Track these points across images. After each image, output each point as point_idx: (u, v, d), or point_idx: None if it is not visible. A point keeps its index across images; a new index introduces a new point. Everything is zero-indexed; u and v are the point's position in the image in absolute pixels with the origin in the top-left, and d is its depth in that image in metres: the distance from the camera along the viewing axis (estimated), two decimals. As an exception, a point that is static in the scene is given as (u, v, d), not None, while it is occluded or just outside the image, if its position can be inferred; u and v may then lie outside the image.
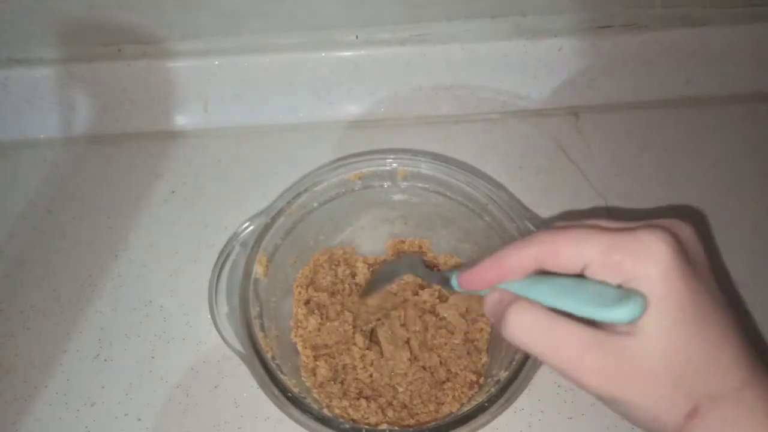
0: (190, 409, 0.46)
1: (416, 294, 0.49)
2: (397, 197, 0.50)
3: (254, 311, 0.42)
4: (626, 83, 0.64)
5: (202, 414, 0.46)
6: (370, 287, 0.47)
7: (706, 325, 0.27)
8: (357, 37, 0.62)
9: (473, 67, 0.63)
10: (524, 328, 0.28)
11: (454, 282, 0.34)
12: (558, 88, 0.64)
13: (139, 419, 0.46)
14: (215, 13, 0.59)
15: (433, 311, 0.48)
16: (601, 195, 0.57)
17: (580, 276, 0.28)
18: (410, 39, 0.62)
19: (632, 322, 0.26)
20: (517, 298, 0.29)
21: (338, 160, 0.50)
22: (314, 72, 0.63)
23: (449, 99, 0.64)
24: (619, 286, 0.27)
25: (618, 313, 0.25)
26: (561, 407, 0.46)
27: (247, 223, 0.46)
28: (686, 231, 0.29)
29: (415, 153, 0.49)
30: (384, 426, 0.40)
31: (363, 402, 0.43)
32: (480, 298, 0.48)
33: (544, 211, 0.56)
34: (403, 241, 0.52)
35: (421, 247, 0.52)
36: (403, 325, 0.47)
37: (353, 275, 0.51)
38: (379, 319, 0.48)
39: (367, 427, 0.38)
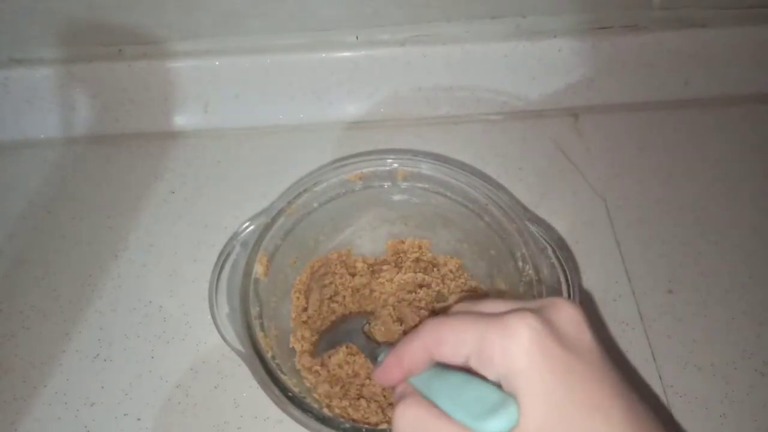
0: (189, 409, 0.46)
1: (413, 292, 0.49)
2: (398, 197, 0.50)
3: (254, 311, 0.42)
4: (626, 84, 0.65)
5: (201, 414, 0.46)
6: (318, 348, 0.46)
7: (582, 410, 0.26)
8: (357, 38, 0.62)
9: (473, 67, 0.63)
10: (406, 424, 0.28)
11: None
12: (557, 89, 0.65)
13: (139, 419, 0.46)
14: (215, 13, 0.59)
15: (430, 309, 0.48)
16: (601, 195, 0.58)
17: (470, 370, 0.28)
18: (410, 40, 0.62)
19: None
20: (411, 392, 0.30)
21: (338, 160, 0.50)
22: (314, 72, 0.63)
23: (449, 100, 0.65)
24: (499, 384, 0.27)
25: (490, 426, 0.26)
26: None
27: (247, 223, 0.46)
28: (567, 311, 0.28)
29: (415, 153, 0.50)
30: (384, 426, 0.40)
31: (363, 402, 0.43)
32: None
33: (544, 212, 0.56)
34: (402, 242, 0.52)
35: (420, 247, 0.52)
36: (396, 322, 0.48)
37: (352, 276, 0.51)
38: (368, 322, 0.48)
39: (367, 426, 0.38)
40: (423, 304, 0.49)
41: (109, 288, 0.52)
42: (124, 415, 0.46)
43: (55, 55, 0.61)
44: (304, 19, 0.60)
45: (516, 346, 0.26)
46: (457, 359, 0.28)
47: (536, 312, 0.27)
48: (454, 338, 0.28)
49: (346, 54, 0.62)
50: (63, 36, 0.60)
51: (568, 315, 0.28)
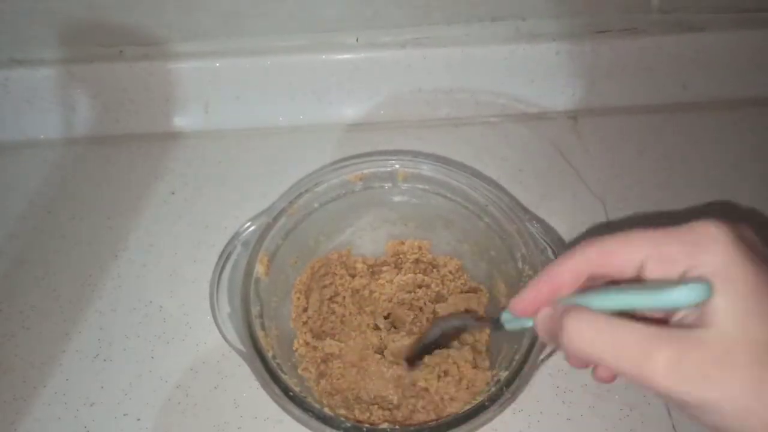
0: (189, 409, 0.46)
1: (411, 292, 0.49)
2: (398, 198, 0.50)
3: (255, 311, 0.42)
4: (625, 87, 0.65)
5: (201, 414, 0.46)
6: (418, 351, 0.44)
7: None
8: (357, 40, 0.62)
9: (473, 70, 0.64)
10: (584, 335, 0.26)
11: (505, 316, 0.33)
12: (556, 92, 0.65)
13: (139, 419, 0.46)
14: (216, 14, 0.59)
15: (429, 310, 0.48)
16: (599, 198, 0.58)
17: (636, 281, 0.27)
18: (410, 42, 0.62)
19: (699, 305, 0.24)
20: (571, 307, 0.27)
21: (339, 161, 0.50)
22: (315, 74, 0.63)
23: (449, 102, 0.65)
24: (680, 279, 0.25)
25: (681, 295, 0.24)
26: (560, 408, 0.46)
27: (248, 223, 0.46)
28: (742, 226, 0.27)
29: (415, 154, 0.50)
30: (384, 425, 0.40)
31: (363, 404, 0.43)
32: (479, 302, 0.49)
33: (543, 213, 0.56)
34: (403, 242, 0.52)
35: (420, 248, 0.52)
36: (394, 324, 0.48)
37: (352, 276, 0.51)
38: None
39: (367, 426, 0.38)
40: (422, 303, 0.49)
41: (109, 288, 0.52)
42: (124, 415, 0.46)
43: (56, 56, 0.61)
44: (305, 20, 0.60)
45: (710, 245, 0.25)
46: (626, 272, 0.27)
47: (721, 220, 0.26)
48: (624, 249, 0.26)
49: (347, 56, 0.63)
50: (63, 36, 0.60)
51: (746, 228, 0.27)
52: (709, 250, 0.25)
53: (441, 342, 0.44)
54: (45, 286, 0.53)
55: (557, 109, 0.65)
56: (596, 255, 0.28)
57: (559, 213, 0.56)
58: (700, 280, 0.24)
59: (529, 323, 0.31)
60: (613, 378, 0.30)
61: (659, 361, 0.24)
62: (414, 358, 0.45)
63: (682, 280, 0.25)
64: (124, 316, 0.51)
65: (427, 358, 0.45)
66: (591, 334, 0.26)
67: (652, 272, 0.26)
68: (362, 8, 0.59)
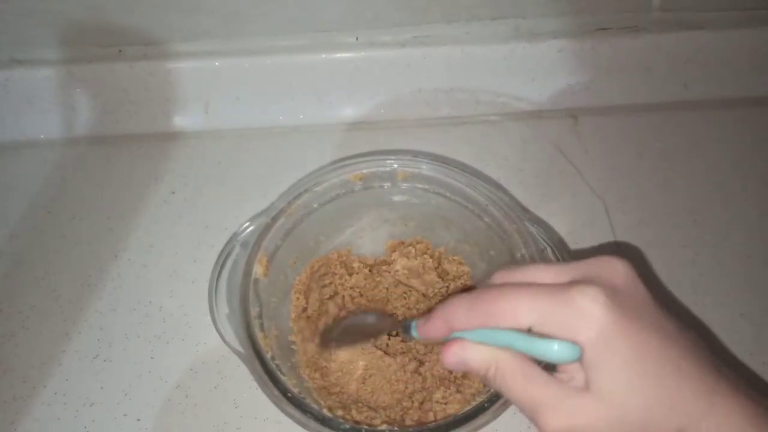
0: (189, 409, 0.46)
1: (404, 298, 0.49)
2: (398, 198, 0.50)
3: (254, 311, 0.42)
4: (625, 86, 0.65)
5: (201, 414, 0.46)
6: (336, 338, 0.44)
7: (657, 368, 0.27)
8: (357, 39, 0.62)
9: (473, 69, 0.63)
10: (457, 358, 0.30)
11: (413, 331, 0.34)
12: (557, 91, 0.65)
13: (139, 419, 0.46)
14: (216, 14, 0.59)
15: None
16: (600, 197, 0.58)
17: None
18: (410, 41, 0.62)
19: (573, 361, 0.27)
20: (453, 341, 0.31)
21: (339, 160, 0.50)
22: (314, 74, 0.63)
23: (449, 101, 0.65)
24: None
25: (553, 351, 0.27)
26: (560, 408, 0.46)
27: (247, 223, 0.46)
28: (620, 271, 0.29)
29: (415, 154, 0.50)
30: (384, 426, 0.40)
31: (360, 405, 0.43)
32: None
33: (543, 213, 0.56)
34: (402, 242, 0.52)
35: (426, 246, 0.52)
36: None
37: (351, 276, 0.51)
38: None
39: (366, 427, 0.38)
40: (413, 299, 0.49)
41: (109, 288, 0.53)
42: (124, 415, 0.46)
43: (56, 56, 0.61)
44: (305, 20, 0.60)
45: (585, 323, 0.27)
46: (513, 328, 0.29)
47: (598, 284, 0.27)
48: (512, 312, 0.28)
49: (347, 55, 0.63)
50: (64, 37, 0.60)
51: (623, 274, 0.29)
52: (585, 328, 0.27)
53: (356, 336, 0.44)
54: (45, 286, 0.53)
55: (558, 108, 0.65)
56: (484, 314, 0.29)
57: (560, 212, 0.56)
58: (574, 342, 0.27)
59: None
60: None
61: (550, 422, 0.27)
62: (326, 339, 0.45)
63: (557, 339, 0.27)
64: (124, 316, 0.51)
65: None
66: (461, 354, 0.30)
67: (537, 330, 0.28)
68: (362, 8, 0.59)
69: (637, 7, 0.61)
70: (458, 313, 0.30)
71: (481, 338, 0.30)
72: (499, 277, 0.31)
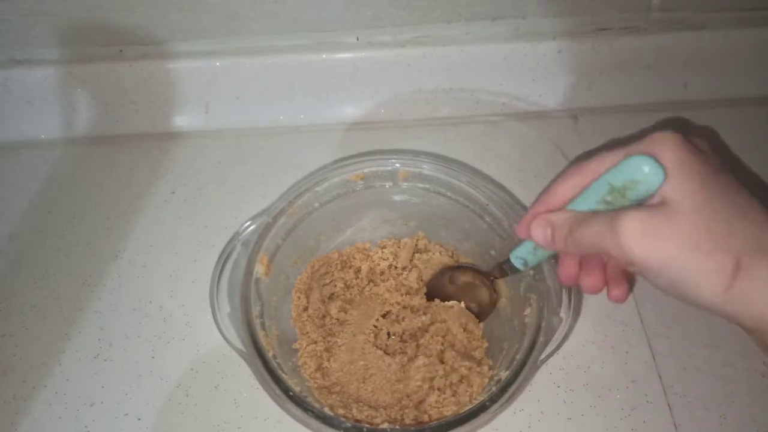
0: (189, 409, 0.46)
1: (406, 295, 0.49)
2: (398, 198, 0.50)
3: (255, 310, 0.42)
4: (625, 86, 0.65)
5: (201, 414, 0.46)
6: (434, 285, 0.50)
7: (731, 194, 0.29)
8: (357, 39, 0.62)
9: (473, 69, 0.64)
10: (569, 225, 0.32)
11: (512, 257, 0.40)
12: (557, 91, 0.65)
13: (139, 419, 0.46)
14: (216, 14, 0.59)
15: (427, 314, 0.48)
16: (601, 197, 0.58)
17: None
18: (410, 41, 0.62)
19: (660, 183, 0.29)
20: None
21: (340, 160, 0.50)
22: (315, 74, 0.63)
23: (449, 101, 0.65)
24: None
25: (636, 162, 0.29)
26: (561, 408, 0.46)
27: (248, 223, 0.46)
28: (696, 138, 0.31)
29: (416, 154, 0.50)
30: (385, 425, 0.40)
31: (361, 405, 0.43)
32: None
33: (544, 213, 0.56)
34: (398, 240, 0.52)
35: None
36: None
37: (357, 271, 0.51)
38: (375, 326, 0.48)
39: (367, 426, 0.38)
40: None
41: (109, 288, 0.52)
42: (124, 415, 0.46)
43: (56, 56, 0.61)
44: (305, 20, 0.60)
45: (664, 145, 0.29)
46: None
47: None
48: (599, 164, 0.32)
49: (347, 55, 0.63)
50: (64, 37, 0.60)
51: (699, 138, 0.31)
52: (663, 147, 0.29)
53: (452, 291, 0.48)
54: (45, 286, 0.53)
55: (558, 107, 0.65)
56: (580, 177, 0.33)
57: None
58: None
59: (529, 247, 0.38)
60: (601, 283, 0.36)
61: (626, 226, 0.29)
62: (431, 292, 0.49)
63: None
64: (124, 316, 0.51)
65: (424, 359, 0.45)
66: (575, 222, 0.32)
67: None
68: (362, 8, 0.59)
69: (636, 7, 0.61)
70: (557, 190, 0.34)
71: (581, 207, 0.33)
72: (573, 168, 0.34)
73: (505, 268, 0.43)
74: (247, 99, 0.64)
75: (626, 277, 0.36)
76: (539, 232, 0.34)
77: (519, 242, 0.40)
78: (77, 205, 0.58)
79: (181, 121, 0.64)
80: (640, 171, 0.29)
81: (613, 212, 0.30)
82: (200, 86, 0.63)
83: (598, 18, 0.62)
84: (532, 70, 0.64)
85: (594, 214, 0.31)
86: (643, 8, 0.61)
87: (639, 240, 0.28)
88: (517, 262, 0.41)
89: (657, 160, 0.29)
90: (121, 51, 0.61)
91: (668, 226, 0.28)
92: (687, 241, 0.28)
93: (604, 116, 0.64)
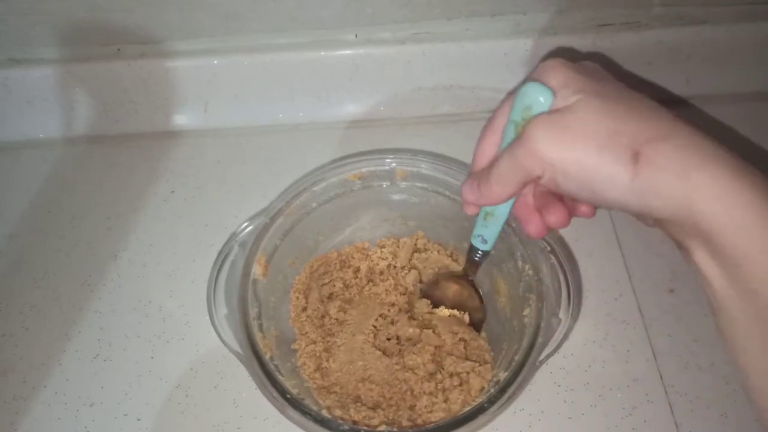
0: (189, 409, 0.46)
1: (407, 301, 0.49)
2: (397, 197, 0.50)
3: (253, 312, 0.42)
4: (626, 82, 0.64)
5: (201, 414, 0.46)
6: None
7: (623, 96, 0.31)
8: (356, 37, 0.62)
9: (473, 66, 0.63)
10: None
11: (473, 239, 0.41)
12: (558, 88, 0.64)
13: (139, 419, 0.46)
14: (215, 13, 0.59)
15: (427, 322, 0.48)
16: (602, 194, 0.57)
17: None
18: (410, 38, 0.62)
19: (549, 99, 0.31)
20: None
21: (338, 160, 0.50)
22: (314, 72, 0.63)
23: (449, 98, 0.64)
24: None
25: (524, 90, 0.31)
26: (561, 407, 0.46)
27: (246, 223, 0.46)
28: (586, 62, 0.34)
29: (414, 153, 0.49)
30: (383, 427, 0.40)
31: (359, 405, 0.43)
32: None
33: (544, 211, 0.55)
34: (398, 239, 0.52)
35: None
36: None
37: (356, 270, 0.51)
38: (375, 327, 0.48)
39: (365, 428, 0.38)
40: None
41: (109, 288, 0.53)
42: (124, 415, 0.46)
43: (56, 56, 0.61)
44: (304, 18, 0.59)
45: (552, 75, 0.31)
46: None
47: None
48: (500, 110, 0.35)
49: (346, 53, 0.62)
50: (63, 36, 0.60)
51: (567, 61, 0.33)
52: (549, 73, 0.32)
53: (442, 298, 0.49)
54: (45, 286, 0.53)
55: (559, 104, 0.64)
56: (492, 133, 0.35)
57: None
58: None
59: (480, 220, 0.39)
60: (564, 213, 0.36)
61: (534, 133, 0.30)
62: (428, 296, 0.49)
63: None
64: (124, 316, 0.51)
65: (424, 359, 0.45)
66: (492, 161, 0.34)
67: None
68: (362, 5, 0.58)
69: (638, 2, 0.61)
70: (476, 158, 0.36)
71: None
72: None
73: (471, 257, 0.43)
74: (247, 97, 0.64)
75: (558, 200, 0.36)
76: (467, 189, 0.36)
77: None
78: (77, 205, 0.58)
79: (181, 120, 0.64)
80: (527, 95, 0.31)
81: (519, 134, 0.32)
82: (199, 85, 0.63)
83: (599, 14, 0.61)
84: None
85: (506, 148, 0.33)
86: (644, 4, 0.61)
87: (548, 140, 0.30)
88: (476, 242, 0.42)
89: (542, 83, 0.31)
90: (119, 50, 0.61)
91: (570, 128, 0.30)
92: (588, 142, 0.29)
93: (606, 113, 0.64)
